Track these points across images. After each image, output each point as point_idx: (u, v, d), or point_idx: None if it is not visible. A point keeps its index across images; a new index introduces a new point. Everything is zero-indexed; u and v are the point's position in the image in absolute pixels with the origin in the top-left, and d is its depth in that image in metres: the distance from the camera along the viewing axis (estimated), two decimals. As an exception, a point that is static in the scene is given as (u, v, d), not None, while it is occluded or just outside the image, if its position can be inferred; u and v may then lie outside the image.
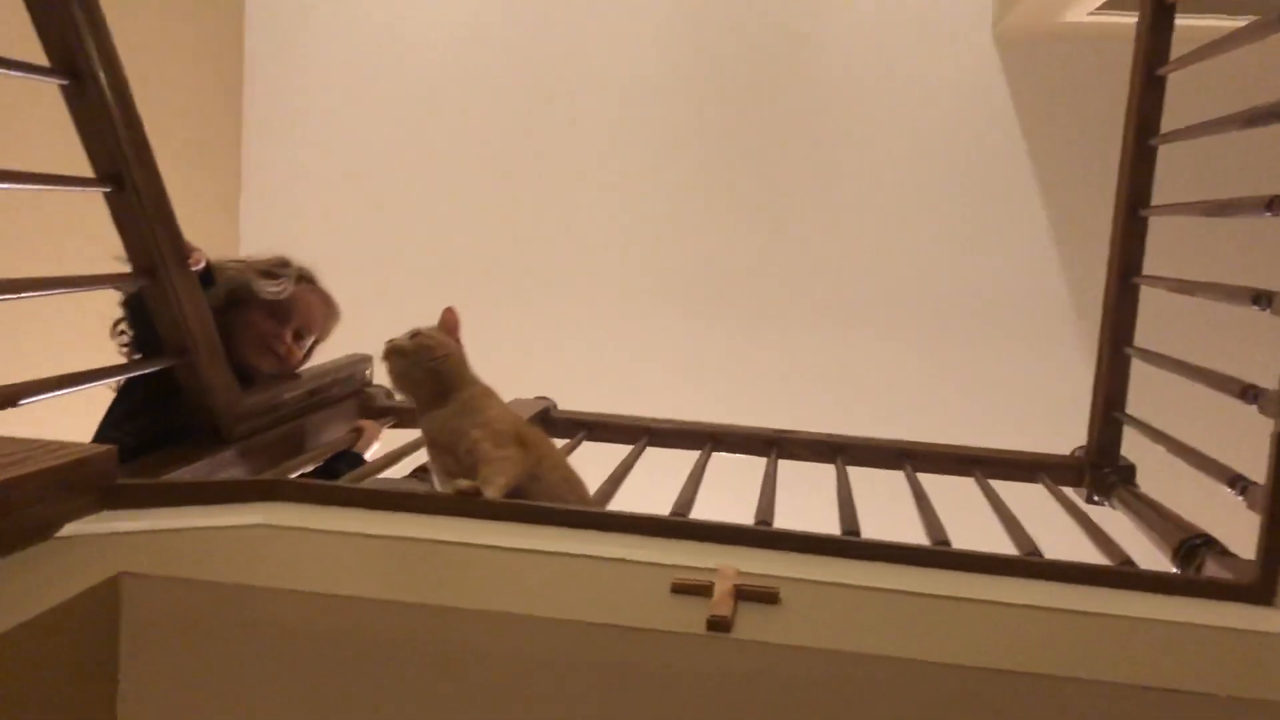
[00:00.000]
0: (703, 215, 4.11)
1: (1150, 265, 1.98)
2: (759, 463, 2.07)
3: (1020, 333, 3.91)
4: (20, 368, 1.38)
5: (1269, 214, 1.40)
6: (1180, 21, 1.91)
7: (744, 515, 1.67)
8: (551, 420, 2.24)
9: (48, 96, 1.46)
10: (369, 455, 2.04)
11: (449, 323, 1.61)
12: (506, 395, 1.72)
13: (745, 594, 1.04)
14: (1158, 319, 2.06)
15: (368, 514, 1.27)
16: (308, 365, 2.11)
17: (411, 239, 4.20)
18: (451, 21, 4.15)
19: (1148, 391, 2.04)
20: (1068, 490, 1.97)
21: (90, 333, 1.81)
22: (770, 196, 4.07)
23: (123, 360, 1.78)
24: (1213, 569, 1.39)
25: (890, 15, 3.94)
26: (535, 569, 1.14)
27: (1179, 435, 1.72)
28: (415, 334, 1.56)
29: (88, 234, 1.68)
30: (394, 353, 1.55)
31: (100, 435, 1.77)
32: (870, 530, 1.51)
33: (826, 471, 2.11)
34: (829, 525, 1.61)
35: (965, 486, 2.03)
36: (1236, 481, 1.42)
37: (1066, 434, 2.19)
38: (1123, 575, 1.21)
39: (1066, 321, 3.84)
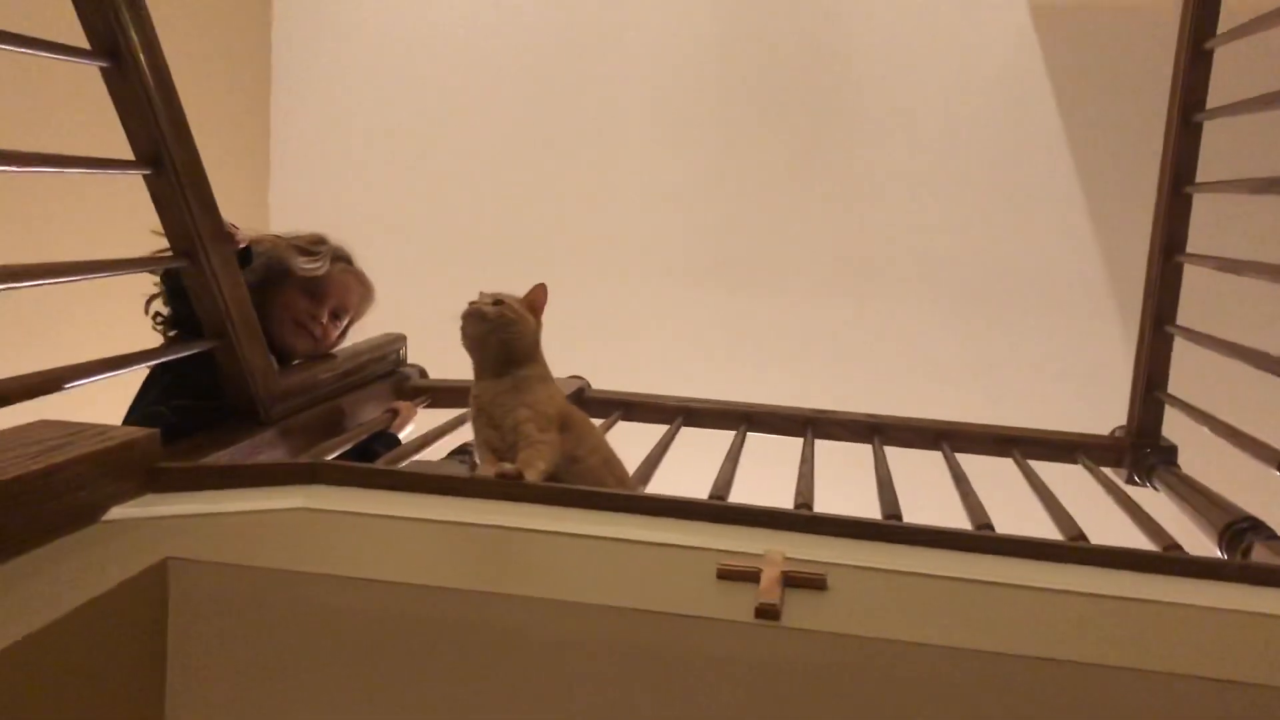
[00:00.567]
0: (736, 192, 4.07)
1: (1190, 242, 1.96)
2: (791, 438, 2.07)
3: (1056, 310, 3.86)
4: (59, 352, 1.38)
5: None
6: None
7: (777, 491, 1.66)
8: (586, 400, 2.24)
9: (80, 85, 1.45)
10: (404, 436, 2.04)
11: (537, 299, 1.59)
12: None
13: (793, 580, 1.03)
14: (1192, 297, 2.03)
15: (409, 497, 1.28)
16: (343, 346, 2.12)
17: (444, 219, 4.20)
18: (484, -2, 4.13)
19: (1183, 371, 2.02)
20: (1107, 470, 1.95)
21: (126, 316, 1.81)
22: (805, 175, 4.02)
23: (158, 337, 1.79)
24: (1261, 554, 1.37)
25: (925, -13, 3.89)
26: (580, 553, 1.14)
27: (1219, 417, 1.70)
28: (499, 301, 1.54)
29: (125, 218, 1.68)
30: (474, 315, 1.53)
31: (137, 414, 1.78)
32: (904, 509, 1.50)
33: (856, 448, 2.10)
34: (861, 501, 1.60)
35: (999, 465, 2.01)
36: (1287, 465, 1.40)
37: (1103, 414, 2.17)
38: (1172, 561, 1.19)
39: (1103, 298, 3.79)
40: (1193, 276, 1.96)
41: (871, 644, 0.94)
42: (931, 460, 1.98)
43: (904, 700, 0.93)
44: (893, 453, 1.94)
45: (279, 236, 1.97)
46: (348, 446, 1.82)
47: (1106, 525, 1.54)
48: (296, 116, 4.23)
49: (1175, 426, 1.99)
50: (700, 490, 1.50)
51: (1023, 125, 3.85)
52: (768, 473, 1.88)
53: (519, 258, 4.07)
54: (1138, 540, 1.47)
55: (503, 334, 1.52)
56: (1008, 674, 0.92)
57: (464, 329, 1.55)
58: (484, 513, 1.22)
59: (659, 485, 1.70)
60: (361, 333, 2.19)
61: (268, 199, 4.20)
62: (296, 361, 1.96)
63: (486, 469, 1.41)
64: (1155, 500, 1.82)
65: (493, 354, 1.53)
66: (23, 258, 1.23)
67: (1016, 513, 1.63)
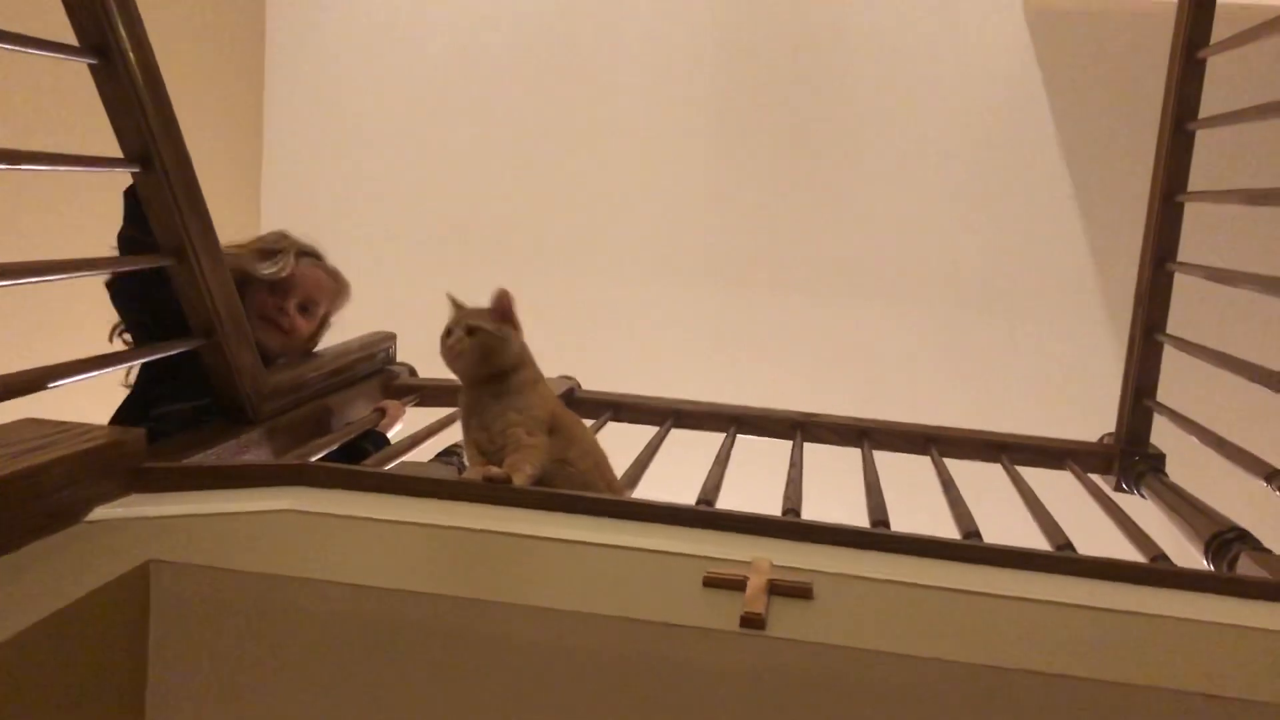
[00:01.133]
0: (728, 195, 4.07)
1: (1180, 251, 1.96)
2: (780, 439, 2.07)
3: (1047, 315, 3.87)
4: (40, 351, 1.38)
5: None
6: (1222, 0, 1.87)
7: (764, 493, 1.66)
8: (576, 401, 2.23)
9: (69, 82, 1.44)
10: (392, 435, 2.03)
11: (505, 307, 1.53)
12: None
13: (778, 589, 1.03)
14: (1183, 305, 2.03)
15: (396, 499, 1.27)
16: (326, 344, 2.10)
17: (435, 217, 4.19)
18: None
19: (1172, 380, 2.02)
20: (1095, 477, 1.95)
21: (110, 316, 1.80)
22: (797, 178, 4.03)
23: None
24: (1247, 565, 1.37)
25: (920, -11, 3.89)
26: (565, 559, 1.13)
27: (1207, 426, 1.70)
28: (473, 330, 1.49)
29: (117, 217, 1.67)
30: (453, 356, 1.49)
31: (126, 414, 1.77)
32: (892, 513, 1.50)
33: (844, 451, 2.10)
34: (848, 505, 1.60)
35: (987, 470, 2.01)
36: (1274, 477, 1.40)
37: (1092, 420, 2.17)
38: (1160, 573, 1.19)
39: (1094, 305, 3.80)
40: (1184, 285, 1.96)
41: (856, 654, 0.94)
42: (920, 464, 1.98)
43: (888, 712, 0.93)
44: (881, 456, 1.94)
45: (240, 246, 1.95)
46: (334, 446, 1.82)
47: (1094, 532, 1.54)
48: (289, 114, 4.21)
49: (1164, 435, 2.00)
50: (689, 493, 1.50)
51: (1016, 132, 3.86)
52: (756, 475, 1.88)
53: (510, 257, 4.07)
54: (1124, 547, 1.47)
55: (488, 362, 1.50)
56: (993, 687, 0.92)
57: (446, 362, 1.53)
58: (470, 517, 1.21)
59: (646, 485, 1.70)
60: (351, 330, 2.18)
61: (259, 197, 4.18)
62: (281, 360, 1.95)
63: (475, 471, 1.41)
64: (1142, 508, 1.83)
65: (483, 374, 1.52)
66: (8, 256, 1.22)
67: (1004, 518, 1.63)
